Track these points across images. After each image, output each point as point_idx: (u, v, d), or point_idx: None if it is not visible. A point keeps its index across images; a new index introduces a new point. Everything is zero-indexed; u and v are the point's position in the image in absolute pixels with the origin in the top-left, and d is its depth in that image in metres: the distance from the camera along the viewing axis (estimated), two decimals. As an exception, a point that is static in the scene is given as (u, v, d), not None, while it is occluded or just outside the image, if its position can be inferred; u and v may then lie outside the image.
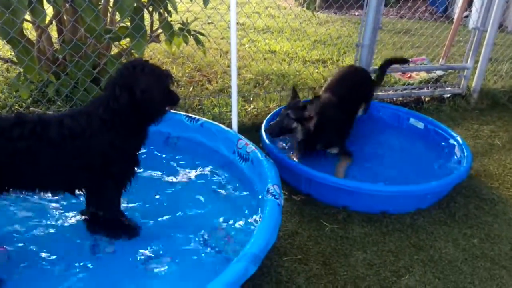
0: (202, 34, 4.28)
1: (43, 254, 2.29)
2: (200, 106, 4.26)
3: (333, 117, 3.32)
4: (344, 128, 3.44)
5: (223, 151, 3.13)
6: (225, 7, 7.76)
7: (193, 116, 3.34)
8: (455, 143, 3.44)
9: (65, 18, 3.91)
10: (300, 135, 3.23)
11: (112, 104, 2.14)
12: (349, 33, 7.21)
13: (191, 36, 4.12)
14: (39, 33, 3.80)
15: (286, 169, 2.99)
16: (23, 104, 3.94)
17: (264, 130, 3.27)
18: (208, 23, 6.58)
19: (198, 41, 4.19)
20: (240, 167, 2.96)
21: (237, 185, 2.94)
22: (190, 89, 4.68)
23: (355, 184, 2.80)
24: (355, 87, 3.64)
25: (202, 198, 2.81)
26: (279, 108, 3.85)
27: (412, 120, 3.89)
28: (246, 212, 2.67)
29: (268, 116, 3.62)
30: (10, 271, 2.16)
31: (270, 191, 2.38)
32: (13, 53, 4.41)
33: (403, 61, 4.29)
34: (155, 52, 5.57)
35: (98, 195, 2.36)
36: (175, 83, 4.69)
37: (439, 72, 5.29)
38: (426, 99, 4.87)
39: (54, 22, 3.99)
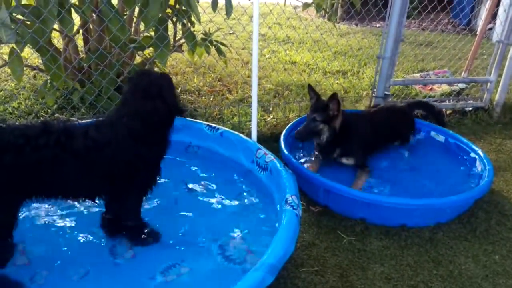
0: (224, 45, 4.34)
1: (64, 259, 2.33)
2: (220, 116, 4.30)
3: (358, 128, 3.35)
4: (367, 143, 3.40)
5: (242, 160, 3.16)
6: (247, 18, 7.84)
7: (213, 125, 3.38)
8: (477, 156, 3.39)
9: (91, 27, 4.03)
10: (326, 137, 3.25)
11: (148, 115, 2.18)
12: (370, 44, 7.20)
13: (213, 46, 4.19)
14: (66, 42, 3.91)
15: (304, 180, 2.99)
16: (49, 110, 4.05)
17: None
18: (230, 33, 6.68)
19: (219, 51, 4.25)
20: (258, 176, 2.98)
21: (255, 194, 2.95)
22: (211, 99, 4.74)
23: (374, 196, 2.79)
24: (392, 127, 3.64)
25: (220, 207, 2.83)
26: (299, 118, 3.87)
27: (432, 133, 3.85)
28: (264, 222, 2.67)
29: (287, 126, 3.64)
30: (31, 275, 2.21)
31: (289, 202, 2.39)
32: (40, 61, 4.56)
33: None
34: (177, 62, 5.66)
35: (120, 202, 2.40)
36: (197, 92, 4.78)
37: (461, 85, 5.23)
38: (448, 112, 4.82)
39: (80, 31, 4.10)
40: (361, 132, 3.37)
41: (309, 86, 3.35)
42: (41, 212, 2.65)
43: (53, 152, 2.05)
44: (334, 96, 3.13)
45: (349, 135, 3.30)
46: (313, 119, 3.21)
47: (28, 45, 3.23)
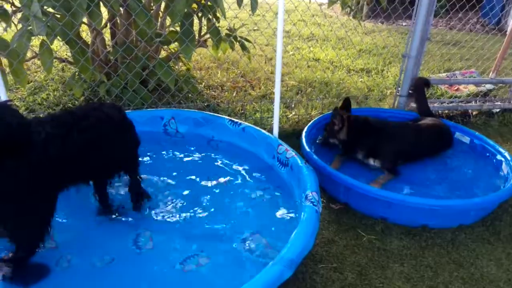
0: (248, 41, 4.36)
1: (88, 245, 2.40)
2: (242, 111, 4.33)
3: (396, 135, 3.37)
4: (402, 152, 3.38)
5: (263, 155, 3.18)
6: (271, 14, 7.84)
7: (236, 120, 3.41)
8: (503, 159, 3.33)
9: (118, 21, 4.10)
10: (340, 145, 3.37)
11: None
12: (396, 43, 7.11)
13: (237, 42, 4.21)
14: (94, 35, 3.99)
15: (325, 177, 2.99)
16: (76, 102, 4.14)
17: (315, 133, 3.47)
18: (255, 30, 6.69)
19: (244, 47, 4.27)
20: (279, 172, 3.00)
21: (276, 190, 2.96)
22: (234, 94, 4.76)
23: (395, 195, 2.76)
24: (432, 143, 3.60)
25: (241, 202, 2.85)
26: (321, 115, 3.86)
27: (457, 134, 3.79)
28: (284, 217, 2.69)
29: (309, 123, 3.64)
30: (57, 259, 2.28)
31: (309, 198, 2.40)
32: (69, 54, 4.66)
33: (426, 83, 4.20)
34: (202, 57, 5.71)
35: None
36: (220, 87, 4.81)
37: (488, 86, 5.12)
38: (474, 113, 4.73)
39: (108, 25, 4.18)
40: (400, 139, 3.37)
41: (347, 100, 3.43)
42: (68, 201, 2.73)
43: (92, 135, 2.24)
44: (335, 112, 3.34)
45: (383, 138, 3.31)
46: (325, 136, 3.51)
47: (58, 37, 3.31)
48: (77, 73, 3.92)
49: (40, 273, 2.20)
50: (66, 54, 5.24)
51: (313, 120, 3.73)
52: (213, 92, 4.77)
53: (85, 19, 3.70)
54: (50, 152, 2.03)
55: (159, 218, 2.66)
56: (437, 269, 2.48)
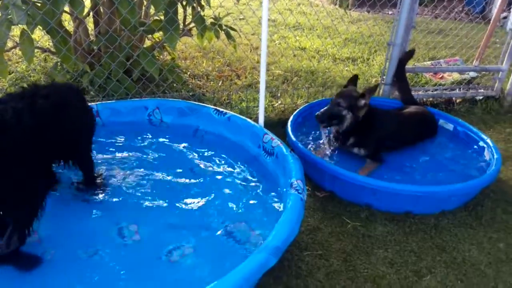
0: (234, 29, 4.33)
1: (73, 238, 2.38)
2: (228, 101, 4.31)
3: (381, 123, 3.34)
4: (386, 139, 3.38)
5: (249, 145, 3.18)
6: (257, 3, 7.80)
7: (221, 109, 3.39)
8: (485, 145, 3.38)
9: (101, 10, 4.04)
10: (346, 124, 3.22)
11: None
12: (381, 32, 7.13)
13: (223, 31, 4.18)
14: (77, 24, 3.93)
15: (311, 165, 3.01)
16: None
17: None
18: (240, 18, 6.64)
19: (229, 36, 4.24)
20: (265, 161, 3.00)
21: (262, 179, 2.97)
22: (219, 83, 4.74)
23: (379, 182, 2.79)
24: (417, 131, 3.61)
25: (227, 191, 2.85)
26: (306, 104, 3.87)
27: (441, 122, 3.83)
28: (269, 206, 2.70)
29: (295, 112, 3.64)
30: (42, 254, 2.26)
31: (294, 186, 2.41)
32: (51, 43, 4.59)
33: (410, 54, 4.23)
34: (187, 46, 5.66)
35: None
36: (205, 76, 4.78)
37: (472, 74, 5.18)
38: (458, 100, 4.79)
39: (91, 14, 4.12)
40: (383, 128, 3.36)
41: (355, 77, 3.38)
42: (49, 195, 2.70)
43: None
44: (374, 89, 3.18)
45: (368, 127, 3.28)
46: (337, 103, 3.19)
47: (39, 27, 3.26)
48: (59, 63, 3.86)
49: (32, 262, 2.20)
50: (48, 44, 5.15)
51: (298, 109, 3.73)
52: (198, 82, 4.74)
53: (66, 8, 3.64)
54: (24, 122, 2.04)
55: (144, 209, 2.64)
56: (421, 254, 2.52)
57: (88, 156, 2.69)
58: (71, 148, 2.52)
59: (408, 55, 4.19)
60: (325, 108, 3.24)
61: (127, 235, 2.43)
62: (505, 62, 4.71)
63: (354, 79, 3.39)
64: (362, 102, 3.17)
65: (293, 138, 3.21)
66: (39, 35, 5.20)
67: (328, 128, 3.36)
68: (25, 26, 3.15)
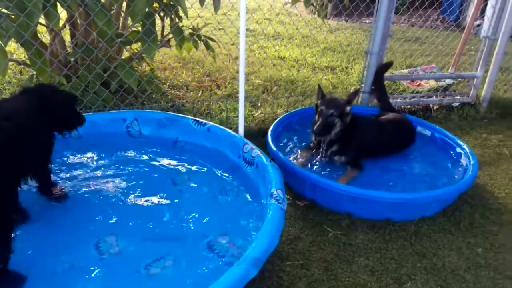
0: (212, 40, 4.33)
1: (47, 254, 2.32)
2: (208, 111, 4.30)
3: (361, 130, 3.37)
4: (366, 147, 3.40)
5: (229, 155, 3.17)
6: (235, 13, 7.84)
7: (200, 120, 3.38)
8: (462, 151, 3.43)
9: (78, 22, 3.99)
10: (335, 133, 3.24)
11: None
12: (359, 40, 7.23)
13: (201, 42, 4.17)
14: (53, 36, 3.88)
15: (291, 174, 3.01)
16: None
17: (314, 131, 3.21)
18: (219, 29, 6.65)
19: (208, 47, 4.24)
20: (245, 171, 2.99)
21: (242, 189, 2.96)
22: (199, 94, 4.73)
23: (359, 191, 2.80)
24: (396, 139, 3.64)
25: (207, 202, 2.83)
26: (286, 113, 3.88)
27: (419, 128, 3.88)
28: (250, 216, 2.68)
29: (275, 122, 3.65)
30: (15, 268, 2.19)
31: (274, 196, 2.40)
32: (26, 56, 4.51)
33: (388, 65, 4.30)
34: (165, 57, 5.65)
35: None
36: (185, 87, 4.77)
37: (448, 81, 5.27)
38: (435, 107, 4.87)
39: (67, 25, 4.07)
40: (363, 135, 3.38)
41: (319, 87, 3.37)
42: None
43: None
44: (356, 94, 3.22)
45: (348, 135, 3.29)
46: (331, 114, 3.18)
47: (13, 39, 3.20)
48: (34, 76, 3.79)
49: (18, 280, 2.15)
50: (24, 56, 5.07)
51: (278, 118, 3.75)
52: (178, 92, 4.72)
53: (42, 20, 3.59)
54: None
55: (123, 221, 2.60)
56: (401, 261, 2.54)
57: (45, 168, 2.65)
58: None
59: (385, 66, 4.25)
60: (319, 121, 3.19)
61: (105, 249, 2.38)
62: (480, 69, 4.82)
63: (320, 89, 3.37)
64: (348, 108, 3.22)
65: (273, 148, 3.21)
66: (14, 47, 5.12)
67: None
68: (-2, 39, 3.10)
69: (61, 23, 3.75)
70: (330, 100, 3.29)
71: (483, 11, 6.46)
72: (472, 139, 4.18)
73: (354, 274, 2.42)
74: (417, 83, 5.29)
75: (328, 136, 3.26)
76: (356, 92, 3.30)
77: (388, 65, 4.26)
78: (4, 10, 3.14)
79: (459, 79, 5.34)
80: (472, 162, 3.20)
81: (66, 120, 2.65)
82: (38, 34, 3.80)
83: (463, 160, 3.37)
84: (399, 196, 2.81)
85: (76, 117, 2.72)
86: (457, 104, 4.91)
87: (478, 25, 7.85)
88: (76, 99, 2.77)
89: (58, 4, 3.35)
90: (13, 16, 3.19)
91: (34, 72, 3.63)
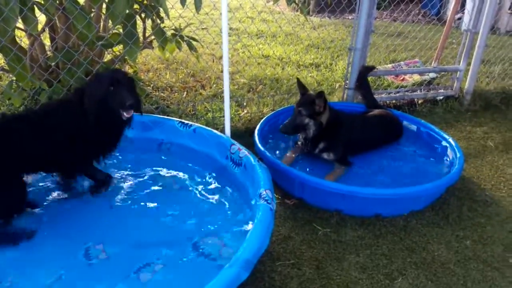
0: (195, 40, 4.28)
1: (34, 263, 2.28)
2: (193, 112, 4.26)
3: (347, 127, 3.38)
4: (353, 143, 3.41)
5: (216, 156, 3.14)
6: (217, 12, 7.78)
7: (186, 121, 3.34)
8: (448, 145, 3.45)
9: (57, 25, 3.91)
10: (312, 131, 3.26)
11: None
12: (343, 36, 7.25)
13: (184, 42, 4.13)
14: (32, 40, 3.79)
15: (279, 174, 2.99)
16: (15, 112, 3.92)
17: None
18: (202, 28, 6.61)
19: (191, 47, 4.19)
20: (233, 172, 2.96)
21: (230, 190, 2.94)
22: (184, 95, 4.68)
23: (348, 188, 2.80)
24: (383, 134, 3.67)
25: (195, 204, 2.80)
26: (273, 112, 3.87)
27: (405, 123, 3.90)
28: (239, 217, 2.66)
29: (261, 121, 3.63)
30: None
31: (263, 196, 2.38)
32: (5, 61, 4.41)
33: (371, 68, 4.37)
34: (148, 59, 5.58)
35: None
36: (169, 88, 4.72)
37: (432, 75, 5.31)
38: (419, 101, 4.90)
39: (46, 29, 3.99)
40: (349, 132, 3.39)
41: (298, 80, 3.37)
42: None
43: None
44: (320, 94, 3.15)
45: (335, 132, 3.30)
46: (299, 112, 3.22)
47: (-10, 45, 3.12)
48: (14, 82, 3.71)
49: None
50: (2, 62, 4.96)
51: (265, 117, 3.72)
52: (162, 94, 4.66)
53: (20, 24, 3.50)
54: None
55: (110, 227, 2.56)
56: (391, 256, 2.54)
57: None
58: None
59: (368, 69, 4.29)
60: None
61: (93, 256, 2.34)
62: (462, 62, 4.86)
63: (300, 84, 3.40)
64: (317, 108, 3.19)
65: (261, 147, 3.19)
66: (-7, 53, 5.00)
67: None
68: (-25, 45, 3.01)
69: (39, 27, 3.67)
70: (304, 98, 3.29)
71: (463, 5, 6.53)
72: (457, 132, 4.22)
73: (345, 271, 2.41)
74: (401, 78, 5.32)
75: (306, 134, 3.29)
76: (321, 92, 3.18)
77: (371, 68, 4.34)
78: (-20, 15, 3.06)
79: (442, 73, 5.39)
80: (458, 155, 3.22)
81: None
82: (17, 39, 3.72)
83: (449, 154, 3.39)
84: (388, 192, 2.82)
85: None
86: (441, 97, 4.95)
87: (459, 19, 7.93)
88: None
89: (36, 8, 3.27)
90: (-11, 21, 3.11)
91: (14, 78, 3.54)
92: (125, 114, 2.65)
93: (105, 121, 2.67)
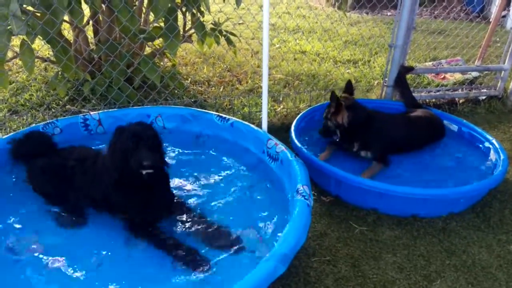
0: (234, 35, 4.32)
1: (78, 249, 2.36)
2: (230, 106, 4.29)
3: (388, 126, 3.37)
4: (394, 142, 3.38)
5: (253, 150, 3.16)
6: (256, 7, 7.80)
7: (224, 115, 3.37)
8: (491, 146, 3.34)
9: (101, 18, 4.03)
10: (338, 131, 3.33)
11: None
12: (381, 33, 7.12)
13: (223, 37, 4.17)
14: (77, 33, 3.92)
15: (315, 170, 2.98)
16: (60, 102, 4.07)
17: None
18: (240, 23, 6.63)
19: (229, 42, 4.23)
20: (269, 167, 2.97)
21: (267, 185, 2.94)
22: (221, 89, 4.72)
23: (385, 186, 2.75)
24: (424, 135, 3.61)
25: (231, 198, 2.82)
26: (310, 108, 3.85)
27: (446, 123, 3.80)
28: (276, 212, 2.66)
29: (298, 116, 3.62)
30: (46, 263, 2.23)
31: (300, 192, 2.38)
32: (51, 53, 4.58)
33: (410, 69, 4.33)
34: (187, 52, 5.66)
35: None
36: (207, 82, 4.77)
37: (474, 74, 5.15)
38: (461, 101, 4.76)
39: (91, 22, 4.11)
40: (390, 131, 3.37)
41: (332, 93, 3.34)
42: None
43: None
44: (332, 95, 3.24)
45: (369, 130, 3.29)
46: (324, 117, 3.39)
47: (39, 36, 3.24)
48: (60, 73, 3.84)
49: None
50: (48, 53, 5.15)
51: (301, 113, 3.71)
52: (199, 88, 4.72)
53: (66, 17, 3.62)
54: None
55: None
56: (430, 258, 2.49)
57: None
58: None
59: (407, 69, 4.22)
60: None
61: (133, 245, 2.40)
62: (507, 61, 4.68)
63: (348, 86, 3.46)
64: (331, 109, 3.28)
65: (298, 143, 3.18)
66: (39, 45, 5.20)
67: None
68: (25, 37, 3.14)
69: (84, 20, 3.78)
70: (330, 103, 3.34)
71: (509, 2, 6.29)
72: (500, 133, 4.08)
73: (382, 271, 2.38)
74: (442, 76, 5.18)
75: (336, 136, 3.38)
76: (332, 94, 3.25)
77: (410, 69, 4.30)
78: (30, 8, 3.18)
79: (486, 72, 5.21)
80: (502, 157, 3.12)
81: None
82: (63, 32, 3.85)
83: (492, 155, 3.28)
84: (426, 192, 2.75)
85: None
86: (484, 97, 4.79)
87: (504, 16, 7.65)
88: None
89: (83, 1, 3.38)
90: (39, 14, 3.23)
91: (60, 69, 3.67)
92: (143, 172, 2.34)
93: (128, 181, 2.41)
